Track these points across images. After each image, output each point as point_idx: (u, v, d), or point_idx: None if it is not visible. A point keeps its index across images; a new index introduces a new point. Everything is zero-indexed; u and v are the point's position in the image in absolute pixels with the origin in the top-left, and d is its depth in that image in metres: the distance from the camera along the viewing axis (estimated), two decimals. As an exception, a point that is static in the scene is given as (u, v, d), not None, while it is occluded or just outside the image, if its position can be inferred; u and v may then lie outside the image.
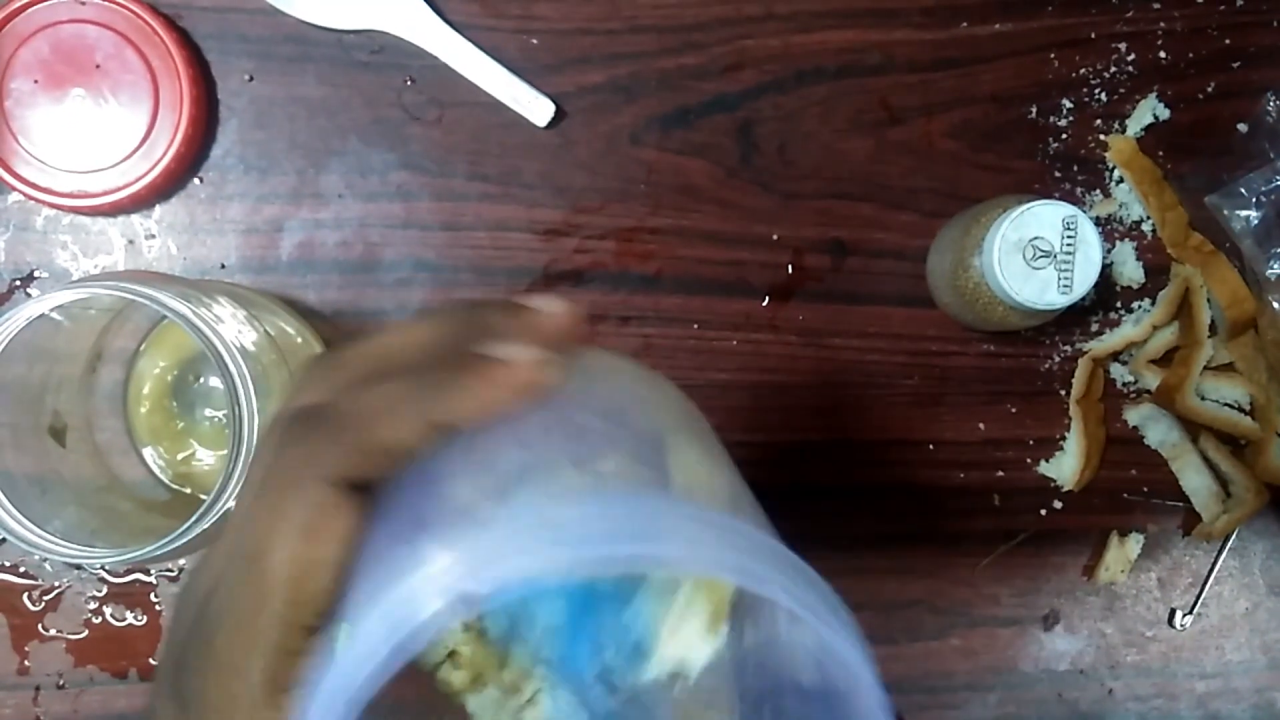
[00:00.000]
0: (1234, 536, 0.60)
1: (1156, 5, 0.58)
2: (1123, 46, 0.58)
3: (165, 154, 0.52)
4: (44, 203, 0.53)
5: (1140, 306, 0.58)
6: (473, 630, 0.25)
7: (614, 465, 0.24)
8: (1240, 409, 0.58)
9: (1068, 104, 0.58)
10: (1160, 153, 0.58)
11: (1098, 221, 0.58)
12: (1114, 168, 0.58)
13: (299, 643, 0.23)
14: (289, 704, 0.23)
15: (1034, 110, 0.58)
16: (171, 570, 0.55)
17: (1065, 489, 0.59)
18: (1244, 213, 0.56)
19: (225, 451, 0.44)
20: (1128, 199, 0.58)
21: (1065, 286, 0.50)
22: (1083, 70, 0.58)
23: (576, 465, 0.23)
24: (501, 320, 0.26)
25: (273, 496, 0.23)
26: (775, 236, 0.57)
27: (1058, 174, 0.58)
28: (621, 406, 0.27)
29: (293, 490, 0.23)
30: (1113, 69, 0.58)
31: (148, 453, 0.54)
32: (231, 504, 0.43)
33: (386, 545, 0.23)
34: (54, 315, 0.44)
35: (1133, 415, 0.59)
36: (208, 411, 0.54)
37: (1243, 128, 0.58)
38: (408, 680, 0.23)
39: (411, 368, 0.24)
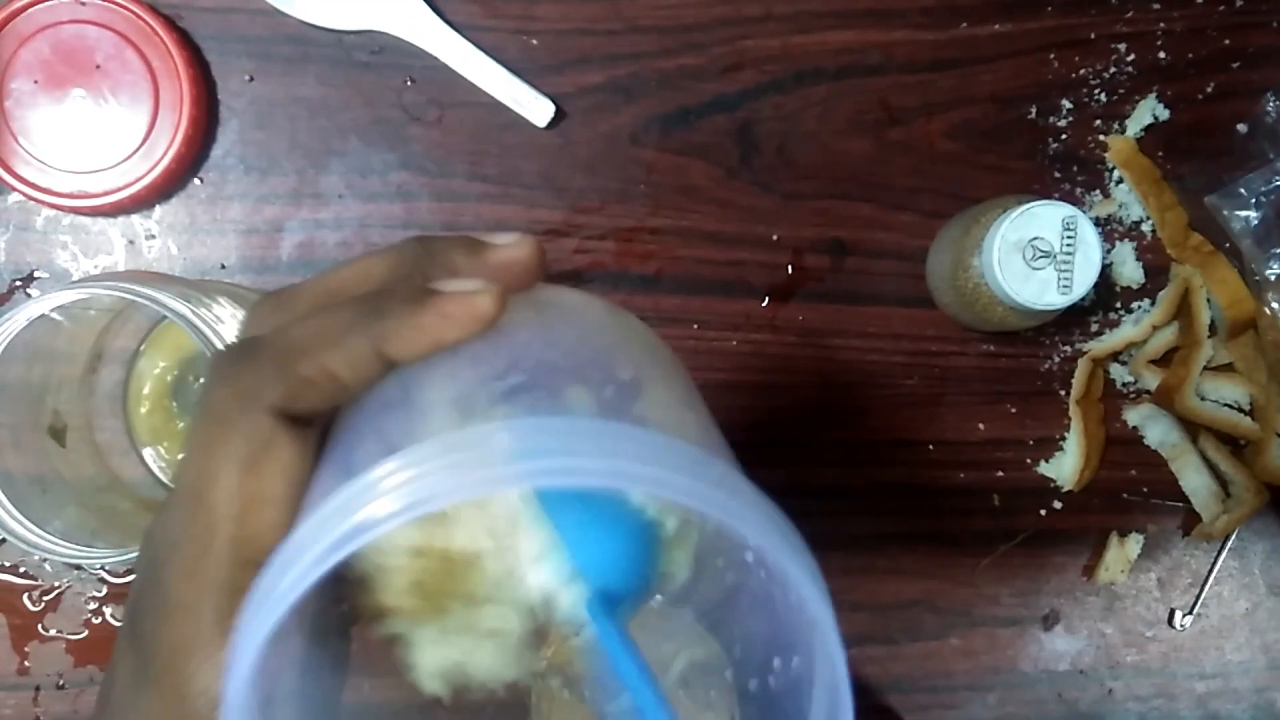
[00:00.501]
0: (1234, 537, 0.60)
1: (1156, 6, 0.58)
2: (1122, 47, 0.58)
3: (165, 154, 0.52)
4: (44, 203, 0.53)
5: (1140, 307, 0.59)
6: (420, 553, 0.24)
7: (574, 397, 0.23)
8: (1240, 409, 0.58)
9: (1067, 104, 0.58)
10: (1160, 153, 0.58)
11: (1097, 222, 0.58)
12: (1114, 168, 0.58)
13: (248, 579, 0.21)
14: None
15: (1034, 110, 0.58)
16: (171, 570, 0.55)
17: (1065, 489, 0.59)
18: (1243, 213, 0.56)
19: (225, 451, 0.44)
20: (1127, 199, 0.58)
21: (1065, 287, 0.50)
22: (1082, 70, 0.58)
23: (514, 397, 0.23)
24: (456, 254, 0.25)
25: (212, 430, 0.22)
26: (775, 236, 0.57)
27: (1057, 174, 0.58)
28: (585, 344, 0.26)
29: (231, 423, 0.22)
30: (1112, 69, 0.58)
31: (148, 453, 0.54)
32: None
33: (331, 480, 0.22)
34: (54, 315, 0.45)
35: (1132, 415, 0.59)
36: (208, 411, 0.54)
37: (1242, 128, 0.58)
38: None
39: (357, 299, 0.24)
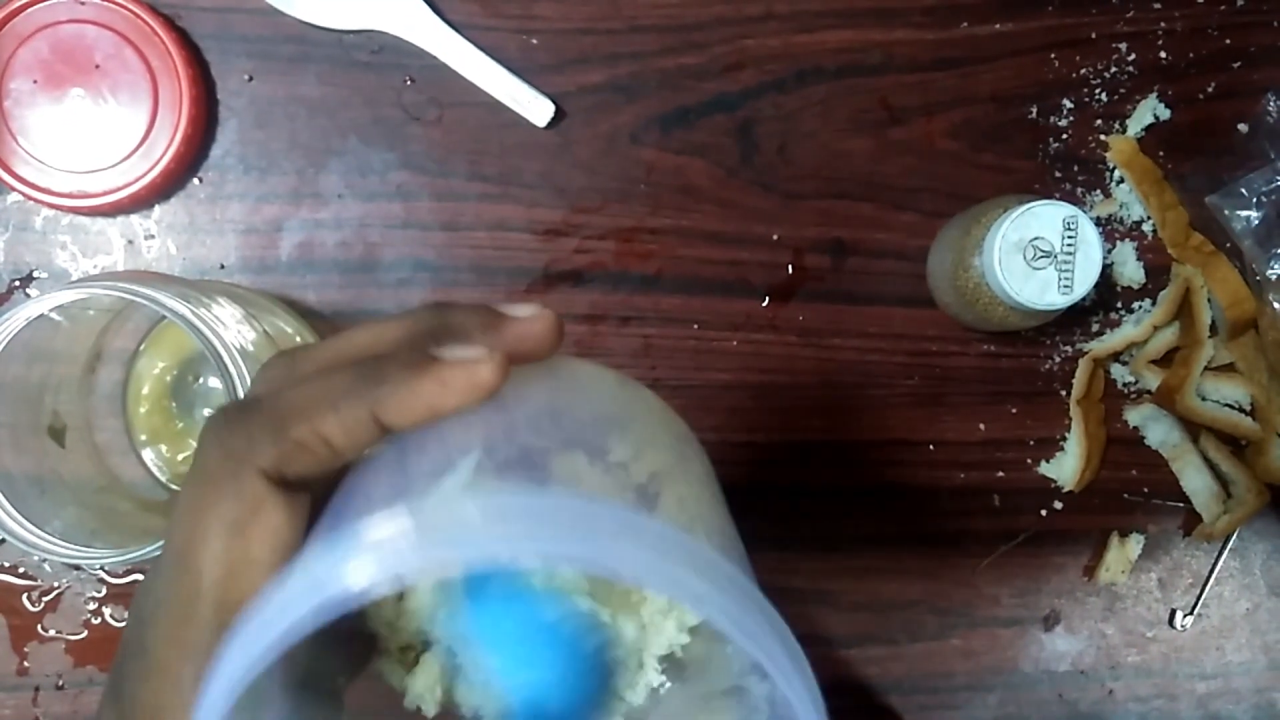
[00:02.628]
0: (1234, 537, 0.60)
1: (1157, 5, 0.58)
2: (1123, 46, 0.58)
3: (164, 154, 0.52)
4: (43, 203, 0.53)
5: (1141, 307, 0.58)
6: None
7: (567, 470, 0.23)
8: (1241, 409, 0.58)
9: (1068, 104, 0.58)
10: (1160, 153, 0.58)
11: (1098, 222, 0.58)
12: (1114, 168, 0.58)
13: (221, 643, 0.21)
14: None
15: (1034, 110, 0.58)
16: (171, 571, 0.55)
17: (1066, 489, 0.59)
18: (1244, 213, 0.56)
19: (225, 452, 0.44)
20: (1128, 199, 0.58)
21: (1066, 287, 0.50)
22: (1083, 70, 0.58)
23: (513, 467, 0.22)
24: (471, 322, 0.24)
25: (202, 489, 0.22)
26: (775, 236, 0.57)
27: (1058, 174, 0.58)
28: (592, 416, 0.25)
29: (221, 484, 0.22)
30: (1113, 69, 0.58)
31: (147, 453, 0.54)
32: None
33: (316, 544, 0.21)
34: (53, 315, 0.44)
35: (1133, 415, 0.59)
36: (207, 411, 0.54)
37: (1243, 128, 0.58)
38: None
39: (357, 363, 0.23)
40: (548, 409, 0.25)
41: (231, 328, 0.45)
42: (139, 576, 0.55)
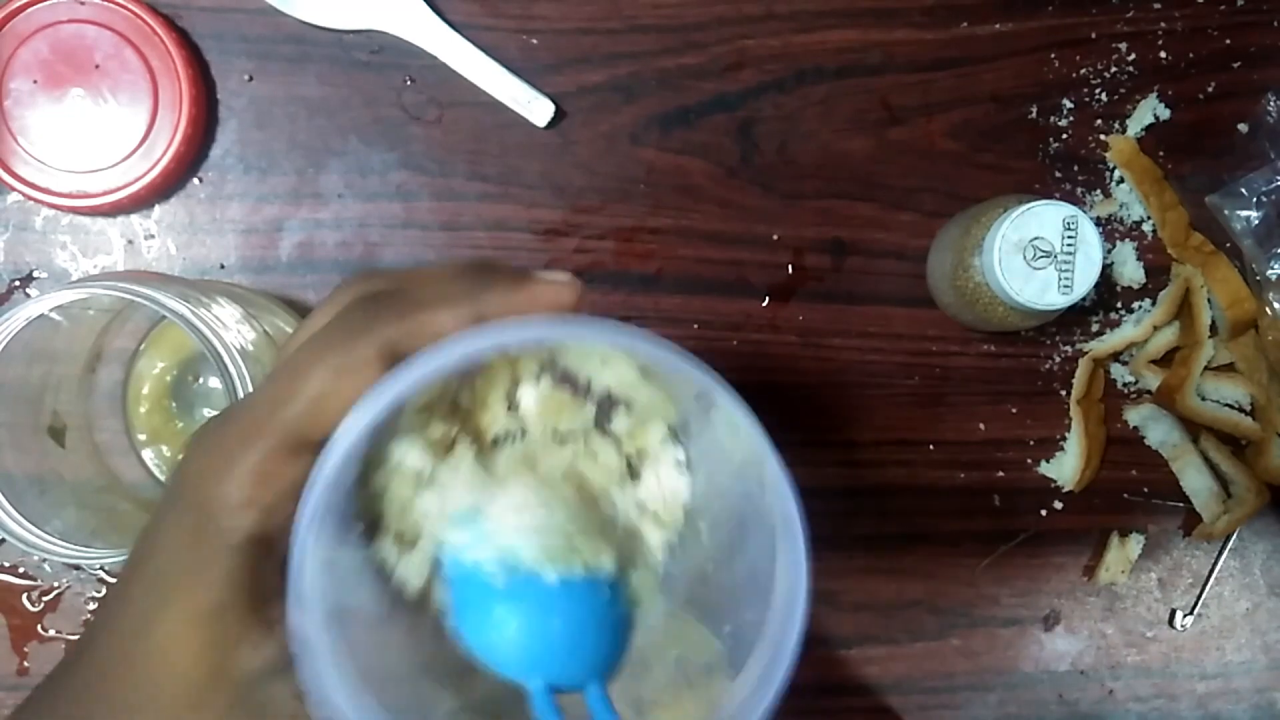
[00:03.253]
0: (1234, 537, 0.60)
1: (1157, 5, 0.58)
2: (1123, 46, 0.58)
3: (164, 154, 0.52)
4: (43, 203, 0.53)
5: (1141, 307, 0.58)
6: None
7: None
8: (1241, 409, 0.58)
9: (1068, 104, 0.58)
10: (1160, 153, 0.58)
11: (1098, 221, 0.58)
12: (1114, 168, 0.58)
13: (293, 448, 0.25)
14: (263, 489, 0.25)
15: (1034, 110, 0.58)
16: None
17: (1066, 489, 0.59)
18: (1244, 213, 0.56)
19: (225, 452, 0.44)
20: (1128, 199, 0.58)
21: (1066, 287, 0.50)
22: (1083, 70, 0.58)
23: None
24: (512, 275, 0.28)
25: (329, 339, 0.26)
26: (775, 236, 0.57)
27: (1058, 174, 0.58)
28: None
29: (346, 342, 0.26)
30: (1113, 69, 0.58)
31: (147, 453, 0.54)
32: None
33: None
34: (53, 315, 0.44)
35: (1133, 415, 0.59)
36: (207, 411, 0.54)
37: (1243, 128, 0.58)
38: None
39: (468, 274, 0.28)
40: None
41: (231, 328, 0.45)
42: (139, 576, 0.55)
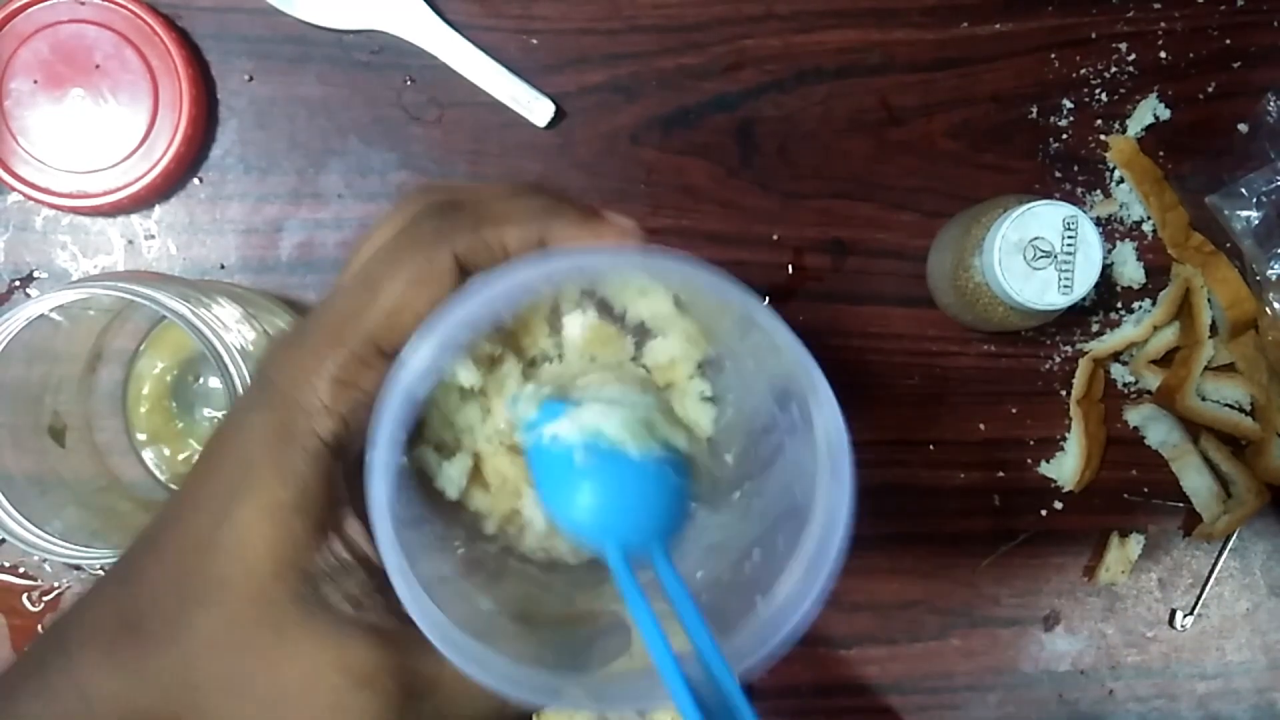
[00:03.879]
0: (1234, 537, 0.60)
1: (1157, 5, 0.58)
2: (1123, 46, 0.58)
3: (165, 154, 0.52)
4: (44, 203, 0.53)
5: (1141, 307, 0.58)
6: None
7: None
8: (1241, 409, 0.58)
9: (1068, 104, 0.58)
10: (1160, 153, 0.58)
11: (1098, 222, 0.58)
12: (1114, 168, 0.58)
13: (370, 357, 0.26)
14: (342, 396, 0.26)
15: (1034, 110, 0.58)
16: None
17: (1066, 489, 0.59)
18: (1244, 213, 0.56)
19: (225, 452, 0.44)
20: (1128, 199, 0.58)
21: (1066, 287, 0.50)
22: (1083, 70, 0.58)
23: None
24: (579, 208, 0.29)
25: (402, 249, 0.27)
26: (775, 236, 0.57)
27: (1058, 174, 0.58)
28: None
29: (423, 250, 0.27)
30: (1113, 69, 0.58)
31: (147, 453, 0.54)
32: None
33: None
34: (53, 315, 0.44)
35: (1133, 415, 0.59)
36: (207, 411, 0.54)
37: (1243, 128, 0.58)
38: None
39: (542, 197, 0.29)
40: None
41: (231, 328, 0.45)
42: (139, 576, 0.55)
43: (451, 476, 0.29)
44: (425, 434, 0.29)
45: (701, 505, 0.31)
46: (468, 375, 0.29)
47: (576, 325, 0.30)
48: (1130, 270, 0.58)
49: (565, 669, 0.27)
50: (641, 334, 0.30)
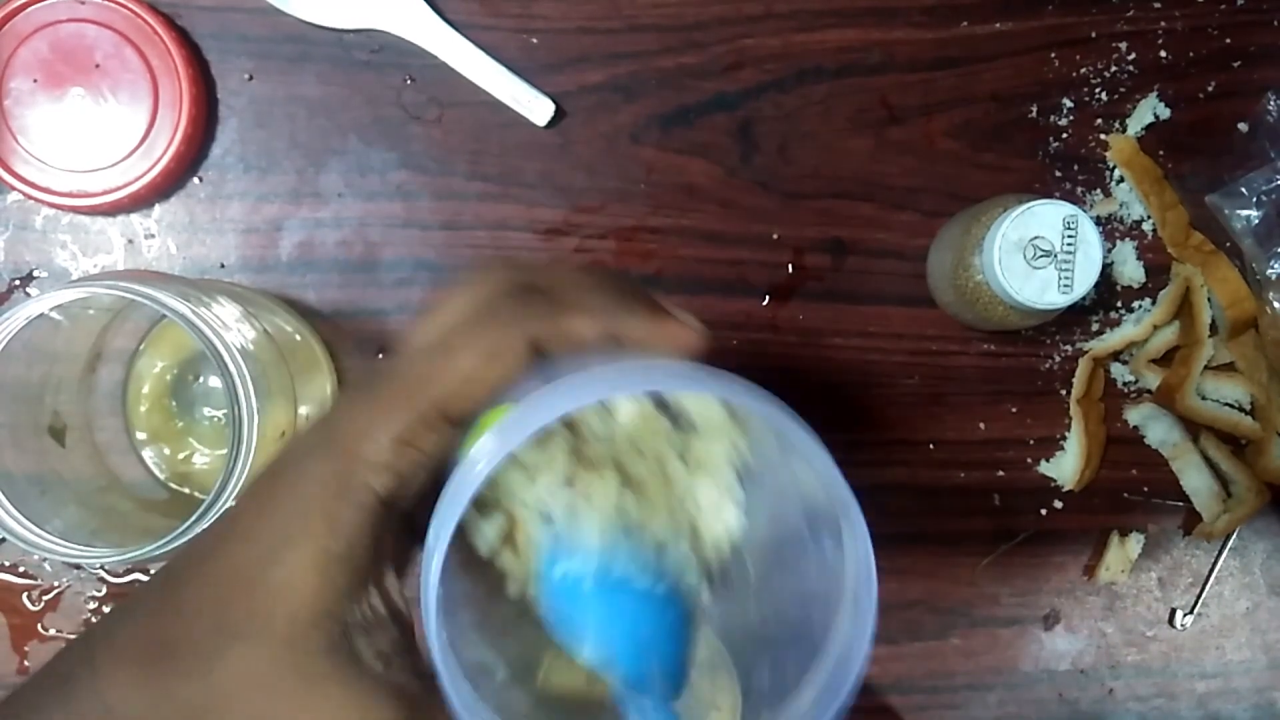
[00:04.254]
0: (1234, 536, 0.60)
1: (1157, 4, 0.58)
2: (1123, 46, 0.58)
3: (165, 153, 0.52)
4: (43, 202, 0.53)
5: (1141, 306, 0.58)
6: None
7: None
8: (1241, 409, 0.58)
9: (1068, 103, 0.58)
10: (1160, 152, 0.58)
11: (1098, 221, 0.58)
12: (1114, 167, 0.58)
13: (435, 422, 0.27)
14: (403, 455, 0.27)
15: (1034, 110, 0.58)
16: (171, 570, 0.55)
17: (1066, 489, 0.59)
18: (1244, 212, 0.56)
19: (224, 451, 0.44)
20: (1128, 198, 0.58)
21: (1066, 286, 0.50)
22: (1083, 69, 0.58)
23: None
24: (652, 305, 0.30)
25: (481, 324, 0.28)
26: (775, 236, 0.57)
27: (1058, 173, 0.58)
28: None
29: (500, 329, 0.28)
30: (1113, 68, 0.58)
31: (147, 453, 0.54)
32: (231, 503, 0.43)
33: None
34: (53, 315, 0.44)
35: (1133, 415, 0.59)
36: (207, 411, 0.54)
37: (1243, 127, 0.58)
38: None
39: (615, 290, 0.30)
40: None
41: (231, 327, 0.45)
42: (139, 576, 0.55)
43: (487, 535, 0.29)
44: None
45: (714, 613, 0.31)
46: (525, 451, 0.29)
47: (630, 412, 0.29)
48: (1130, 270, 0.58)
49: None
50: (689, 432, 0.30)
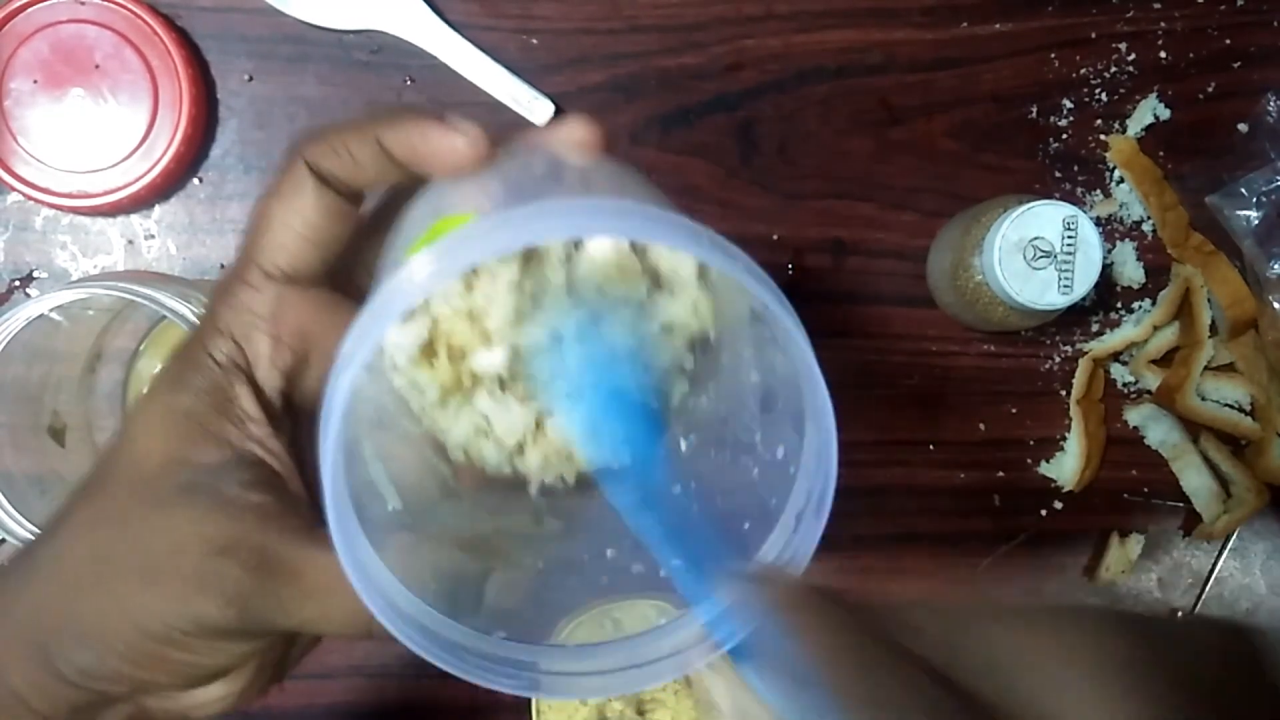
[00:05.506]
0: (1234, 537, 0.60)
1: (1157, 5, 0.58)
2: (1123, 46, 0.58)
3: (164, 154, 0.52)
4: (43, 203, 0.53)
5: (1141, 307, 0.58)
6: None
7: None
8: (1241, 409, 0.58)
9: (1068, 104, 0.58)
10: (1160, 153, 0.58)
11: (1098, 221, 0.58)
12: (1114, 168, 0.58)
13: (258, 282, 0.29)
14: (235, 321, 0.29)
15: (1034, 110, 0.58)
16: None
17: (1066, 489, 0.59)
18: (1244, 213, 0.56)
19: (225, 452, 0.44)
20: (1128, 199, 0.58)
21: (1065, 287, 0.50)
22: (1083, 70, 0.58)
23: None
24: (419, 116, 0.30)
25: (274, 181, 0.30)
26: (775, 236, 0.57)
27: (1058, 174, 0.58)
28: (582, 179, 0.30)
29: (282, 172, 0.29)
30: (1113, 69, 0.58)
31: (147, 453, 0.54)
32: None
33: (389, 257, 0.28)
34: (53, 315, 0.44)
35: (1133, 415, 0.59)
36: (207, 412, 0.54)
37: (1243, 128, 0.58)
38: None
39: (384, 111, 0.30)
40: (547, 173, 0.30)
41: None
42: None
43: (404, 341, 0.28)
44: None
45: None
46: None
47: (607, 248, 0.27)
48: (1130, 270, 0.58)
49: (447, 603, 0.26)
50: (654, 285, 0.29)
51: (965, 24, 0.57)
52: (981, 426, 0.58)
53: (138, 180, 0.52)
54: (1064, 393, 0.59)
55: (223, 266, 0.55)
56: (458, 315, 0.27)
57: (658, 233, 0.25)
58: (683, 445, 0.30)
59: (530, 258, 0.27)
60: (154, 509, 0.28)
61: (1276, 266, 0.56)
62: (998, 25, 0.57)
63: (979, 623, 0.24)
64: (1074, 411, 0.58)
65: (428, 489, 0.30)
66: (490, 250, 0.24)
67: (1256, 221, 0.56)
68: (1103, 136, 0.58)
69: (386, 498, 0.28)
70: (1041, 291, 0.50)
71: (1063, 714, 0.22)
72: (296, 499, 0.29)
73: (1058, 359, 0.58)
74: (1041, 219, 0.49)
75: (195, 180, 0.55)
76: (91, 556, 0.28)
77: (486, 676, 0.25)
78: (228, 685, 0.29)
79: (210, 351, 0.29)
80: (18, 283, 0.55)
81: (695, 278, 0.28)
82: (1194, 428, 0.59)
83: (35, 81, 0.52)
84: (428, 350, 0.28)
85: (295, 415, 0.30)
